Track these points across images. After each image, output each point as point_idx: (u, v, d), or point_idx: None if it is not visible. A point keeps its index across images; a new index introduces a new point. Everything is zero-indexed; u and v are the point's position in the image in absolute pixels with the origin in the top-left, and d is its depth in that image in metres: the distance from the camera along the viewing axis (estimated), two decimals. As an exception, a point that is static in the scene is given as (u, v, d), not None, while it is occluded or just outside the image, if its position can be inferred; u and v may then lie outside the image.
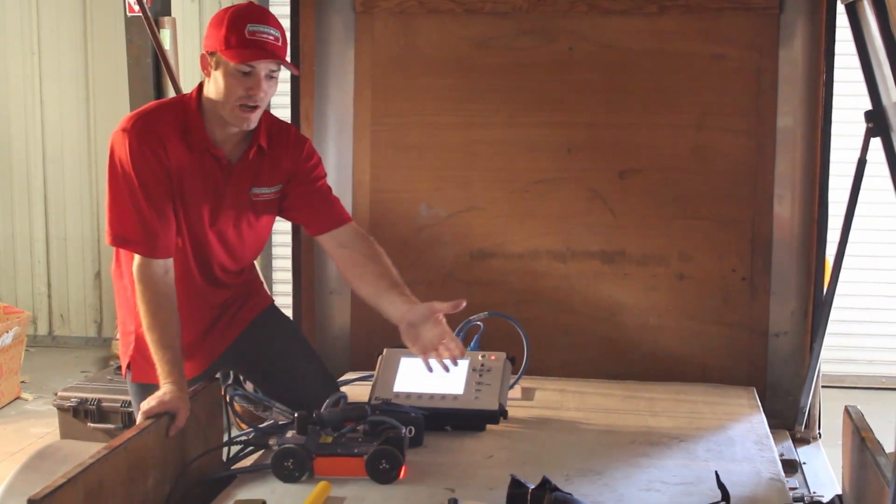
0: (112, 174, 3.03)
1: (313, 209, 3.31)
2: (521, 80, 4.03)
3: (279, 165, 3.22)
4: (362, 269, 3.30)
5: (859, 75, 3.28)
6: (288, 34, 3.24)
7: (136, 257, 3.01)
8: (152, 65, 6.50)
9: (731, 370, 3.91)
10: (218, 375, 3.23)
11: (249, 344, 3.37)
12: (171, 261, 3.05)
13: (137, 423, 2.73)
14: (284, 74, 3.96)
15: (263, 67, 2.99)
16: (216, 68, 3.02)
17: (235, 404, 3.30)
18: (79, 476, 2.23)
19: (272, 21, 3.04)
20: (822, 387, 3.99)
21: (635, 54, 3.97)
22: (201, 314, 3.27)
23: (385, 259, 3.30)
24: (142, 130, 3.01)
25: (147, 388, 3.01)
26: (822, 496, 2.95)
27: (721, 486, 2.53)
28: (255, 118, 3.05)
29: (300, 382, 3.36)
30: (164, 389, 2.81)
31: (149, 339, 2.96)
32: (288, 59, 3.11)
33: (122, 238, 3.03)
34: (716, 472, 2.60)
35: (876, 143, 3.23)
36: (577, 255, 4.03)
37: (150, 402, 2.75)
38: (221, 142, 3.11)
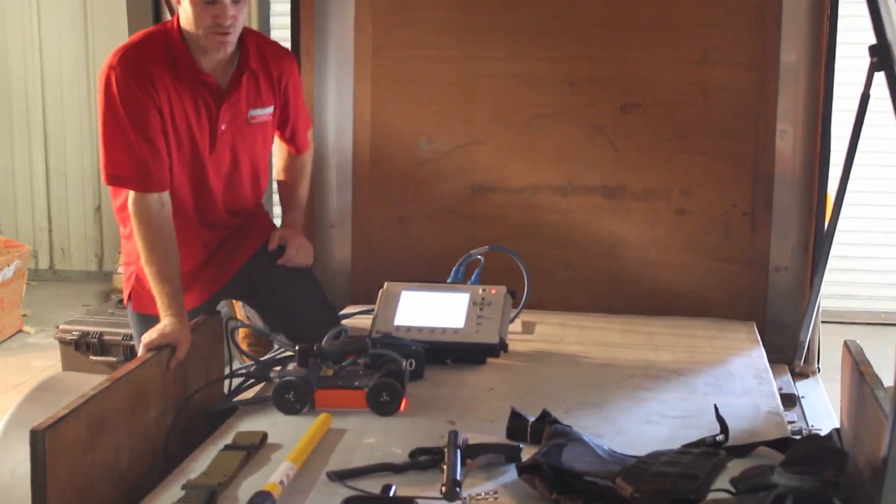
0: (103, 113, 3.02)
1: (299, 130, 3.44)
2: (524, 13, 3.99)
3: (276, 78, 3.25)
4: (283, 180, 3.56)
5: (864, 9, 3.24)
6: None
7: (131, 193, 3.02)
8: (151, -4, 6.44)
9: (731, 305, 3.91)
10: (219, 309, 3.24)
11: (252, 274, 3.38)
12: (166, 194, 3.05)
13: (138, 355, 2.74)
14: (285, 7, 3.96)
15: None
16: None
17: (238, 337, 3.30)
18: (81, 407, 2.24)
19: None
20: (822, 322, 3.99)
21: (637, -13, 3.94)
22: (198, 249, 3.27)
23: (301, 180, 3.58)
24: (128, 66, 3.00)
25: (147, 319, 3.03)
26: (820, 430, 2.96)
27: (720, 419, 2.54)
28: (231, 41, 3.04)
29: (302, 314, 3.37)
30: (165, 322, 2.82)
31: (148, 272, 2.96)
32: None
33: (116, 176, 3.04)
34: (715, 406, 2.61)
35: (880, 77, 3.21)
36: (577, 189, 4.02)
37: (150, 335, 2.75)
38: (210, 68, 3.10)
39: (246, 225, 3.39)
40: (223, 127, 3.15)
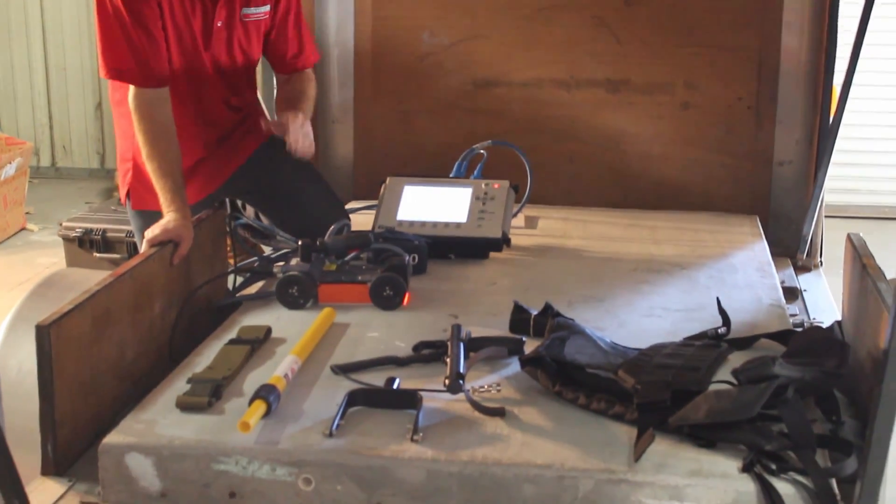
0: (100, 7, 2.98)
1: (286, 46, 3.34)
2: None
3: None
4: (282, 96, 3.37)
5: None
6: None
7: (132, 89, 2.99)
8: None
9: (735, 199, 3.90)
10: (218, 204, 3.24)
11: (254, 171, 3.37)
12: (166, 91, 3.03)
13: (141, 251, 2.75)
14: None
15: None
16: None
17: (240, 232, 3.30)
18: (86, 302, 2.25)
19: None
20: (825, 216, 3.99)
21: None
22: (197, 145, 3.25)
23: (307, 90, 3.36)
24: None
25: (147, 216, 3.03)
26: (822, 322, 2.98)
27: (722, 312, 2.55)
28: None
29: (308, 206, 3.36)
30: (168, 218, 2.82)
31: (149, 168, 2.95)
32: None
33: (116, 70, 3.00)
34: (717, 299, 2.62)
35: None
36: (581, 83, 3.99)
37: (153, 231, 2.75)
38: None
39: (246, 123, 3.37)
40: (219, 24, 3.13)
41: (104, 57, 3.00)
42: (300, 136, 3.17)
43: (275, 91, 3.55)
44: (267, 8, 3.23)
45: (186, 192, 2.95)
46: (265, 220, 3.48)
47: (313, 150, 3.25)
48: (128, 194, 3.29)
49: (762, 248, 3.37)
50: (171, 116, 3.01)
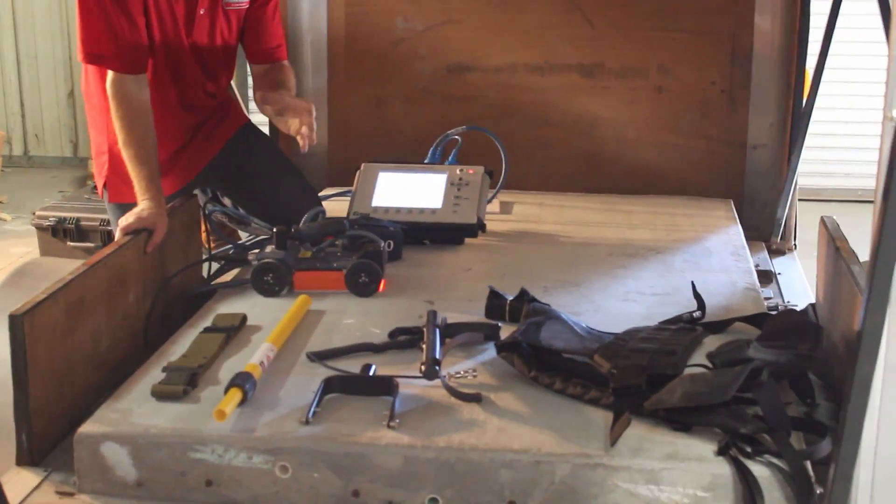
0: None
1: (262, 35, 3.31)
2: None
3: None
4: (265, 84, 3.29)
5: None
6: None
7: (110, 74, 2.97)
8: None
9: (709, 183, 3.91)
10: (196, 192, 3.23)
11: (228, 160, 3.36)
12: (144, 77, 3.01)
13: (116, 239, 2.73)
14: None
15: None
16: None
17: (215, 219, 3.30)
18: (59, 291, 2.23)
19: None
20: (799, 200, 4.01)
21: None
22: (177, 131, 3.25)
23: (289, 80, 3.31)
24: None
25: (124, 208, 3.01)
26: (796, 305, 2.99)
27: (697, 296, 2.56)
28: None
29: (281, 196, 3.36)
30: (142, 206, 2.80)
31: (125, 155, 2.93)
32: None
33: (96, 55, 2.98)
34: (692, 283, 2.63)
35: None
36: (555, 68, 3.99)
37: (127, 219, 2.74)
38: None
39: (220, 111, 3.37)
40: (202, 11, 3.13)
41: (83, 41, 2.98)
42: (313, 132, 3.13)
43: (249, 80, 3.51)
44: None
45: (164, 183, 2.94)
46: (240, 209, 3.46)
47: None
48: (104, 186, 3.27)
49: (736, 232, 3.39)
50: (149, 104, 3.00)
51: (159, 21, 3.05)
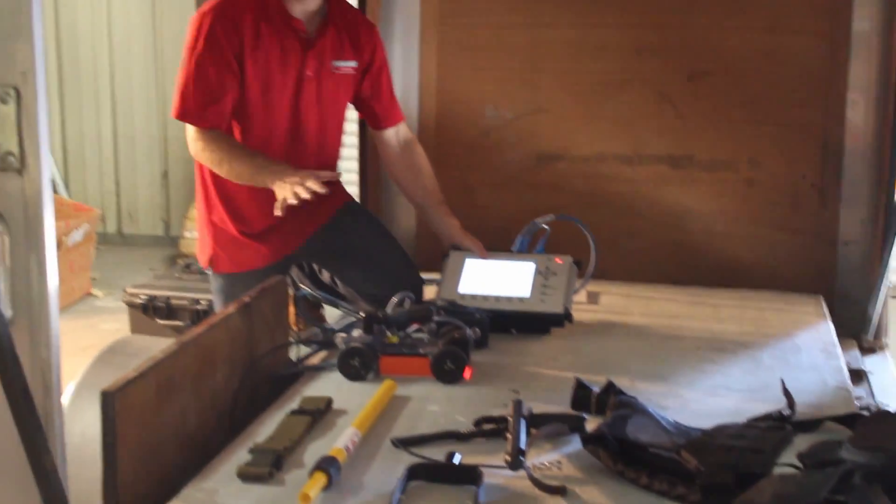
0: (186, 52, 3.17)
1: (383, 99, 3.49)
2: (591, -21, 3.97)
3: (358, 41, 3.37)
4: (413, 177, 3.58)
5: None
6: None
7: (190, 129, 3.16)
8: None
9: (799, 278, 3.87)
10: (285, 275, 3.27)
11: (331, 234, 3.46)
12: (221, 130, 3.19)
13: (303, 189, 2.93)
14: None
15: None
16: None
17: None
18: (150, 370, 2.26)
19: None
20: (891, 297, 3.94)
21: (708, -46, 3.89)
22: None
23: (430, 169, 3.57)
24: (218, 12, 3.15)
25: (231, 279, 3.14)
26: (889, 406, 2.93)
27: (786, 393, 2.52)
28: None
29: (383, 271, 3.43)
30: (280, 179, 2.99)
31: (228, 168, 3.12)
32: None
33: (183, 110, 3.16)
34: (781, 380, 2.59)
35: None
36: (644, 158, 3.99)
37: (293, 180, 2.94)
38: (299, 15, 3.25)
39: (326, 185, 3.45)
40: (309, 73, 3.27)
41: (177, 98, 3.18)
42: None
43: (380, 149, 3.68)
44: (355, 63, 3.37)
45: (262, 254, 3.05)
46: (340, 283, 3.51)
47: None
48: (210, 260, 3.38)
49: (827, 329, 3.34)
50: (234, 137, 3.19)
51: (266, 82, 3.20)
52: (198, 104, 3.14)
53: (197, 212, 3.49)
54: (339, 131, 3.48)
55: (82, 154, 8.62)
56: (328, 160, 3.46)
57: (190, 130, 3.18)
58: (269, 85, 3.22)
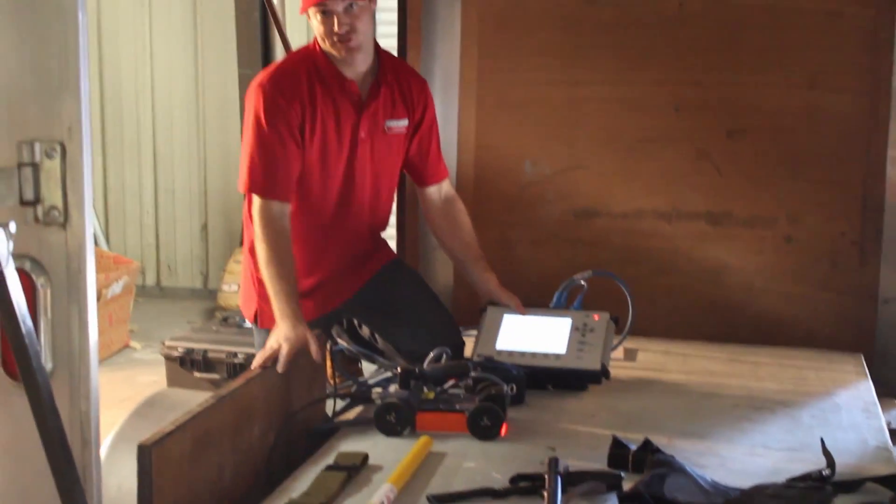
0: (246, 126, 3.22)
1: (431, 156, 3.50)
2: (629, 36, 3.99)
3: (410, 98, 3.39)
4: (453, 232, 3.56)
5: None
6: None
7: (257, 200, 3.16)
8: (260, 17, 6.56)
9: (839, 336, 3.84)
10: (329, 329, 3.29)
11: (375, 291, 3.48)
12: (287, 206, 3.19)
13: (281, 359, 2.82)
14: (392, 29, 4.01)
15: (336, 4, 3.14)
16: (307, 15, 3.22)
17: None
18: (187, 424, 2.27)
19: None
20: (933, 355, 3.91)
21: (747, 12, 3.89)
22: (329, 260, 3.40)
23: (470, 225, 3.57)
24: (275, 82, 3.20)
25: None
26: (931, 466, 2.89)
27: (826, 453, 2.50)
28: (354, 47, 3.20)
29: (426, 327, 3.44)
30: (284, 328, 2.93)
31: (266, 273, 3.09)
32: None
33: (251, 183, 3.19)
34: (821, 439, 2.57)
35: None
36: (682, 215, 3.99)
37: (272, 346, 2.85)
38: (352, 77, 3.28)
39: (374, 245, 3.49)
40: (363, 134, 3.30)
41: (243, 171, 3.21)
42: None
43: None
44: (406, 122, 3.39)
45: (306, 308, 3.09)
46: (379, 339, 3.52)
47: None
48: (255, 315, 3.42)
49: (867, 388, 3.30)
50: (289, 230, 3.18)
51: (322, 147, 3.23)
52: (265, 177, 3.17)
53: (243, 267, 3.52)
54: (391, 190, 3.51)
55: (123, 207, 8.69)
56: (380, 220, 3.50)
57: (256, 203, 3.17)
58: (326, 149, 3.26)
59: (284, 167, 3.18)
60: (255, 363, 2.80)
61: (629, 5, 3.97)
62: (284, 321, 2.95)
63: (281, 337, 2.88)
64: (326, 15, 3.15)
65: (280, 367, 2.79)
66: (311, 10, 3.16)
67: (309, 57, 3.29)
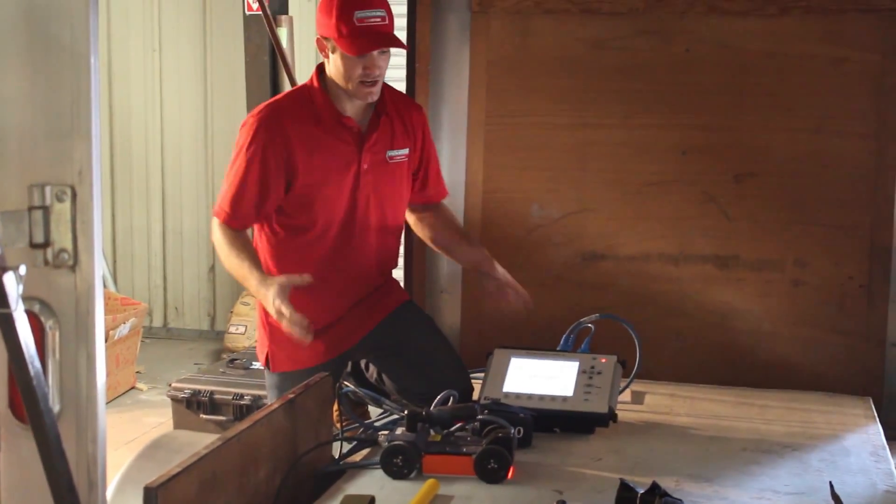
0: (234, 154, 3.27)
1: (430, 177, 3.57)
2: (637, 81, 4.00)
3: (410, 125, 3.43)
4: (437, 217, 3.65)
5: None
6: (404, 33, 3.33)
7: (216, 221, 3.27)
8: (269, 62, 6.60)
9: (847, 379, 3.83)
10: (326, 373, 3.29)
11: (385, 334, 3.48)
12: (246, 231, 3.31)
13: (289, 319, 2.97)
14: (401, 73, 4.04)
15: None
16: (333, 52, 3.24)
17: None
18: (193, 466, 2.27)
19: (377, 1, 3.20)
20: (942, 399, 3.89)
21: (753, 56, 3.91)
22: (336, 303, 3.42)
23: (455, 215, 3.68)
24: (267, 116, 3.25)
25: (287, 375, 3.17)
26: (940, 511, 2.88)
27: (835, 497, 2.49)
28: (377, 91, 3.27)
29: (436, 371, 3.45)
30: (267, 291, 3.07)
31: (228, 264, 3.24)
32: (394, 30, 3.29)
33: (218, 207, 3.28)
34: (830, 483, 2.56)
35: None
36: (689, 258, 3.99)
37: (277, 308, 3.01)
38: (351, 113, 3.31)
39: (385, 286, 3.48)
40: (365, 166, 3.32)
41: (220, 197, 3.30)
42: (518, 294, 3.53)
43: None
44: (407, 150, 3.43)
45: (317, 351, 3.20)
46: (386, 381, 3.52)
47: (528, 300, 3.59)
48: (266, 358, 3.45)
49: (876, 432, 3.29)
50: (249, 238, 3.30)
51: (324, 183, 3.26)
52: (231, 206, 3.25)
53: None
54: (399, 221, 3.52)
55: (131, 248, 8.71)
56: (388, 254, 3.52)
57: (215, 223, 3.29)
58: (327, 183, 3.29)
59: (250, 198, 3.24)
60: (286, 326, 3.00)
61: (636, 50, 4.00)
62: (263, 288, 3.08)
63: (269, 301, 3.02)
64: (363, 58, 3.18)
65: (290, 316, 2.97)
66: (342, 52, 3.18)
67: (304, 94, 3.32)
